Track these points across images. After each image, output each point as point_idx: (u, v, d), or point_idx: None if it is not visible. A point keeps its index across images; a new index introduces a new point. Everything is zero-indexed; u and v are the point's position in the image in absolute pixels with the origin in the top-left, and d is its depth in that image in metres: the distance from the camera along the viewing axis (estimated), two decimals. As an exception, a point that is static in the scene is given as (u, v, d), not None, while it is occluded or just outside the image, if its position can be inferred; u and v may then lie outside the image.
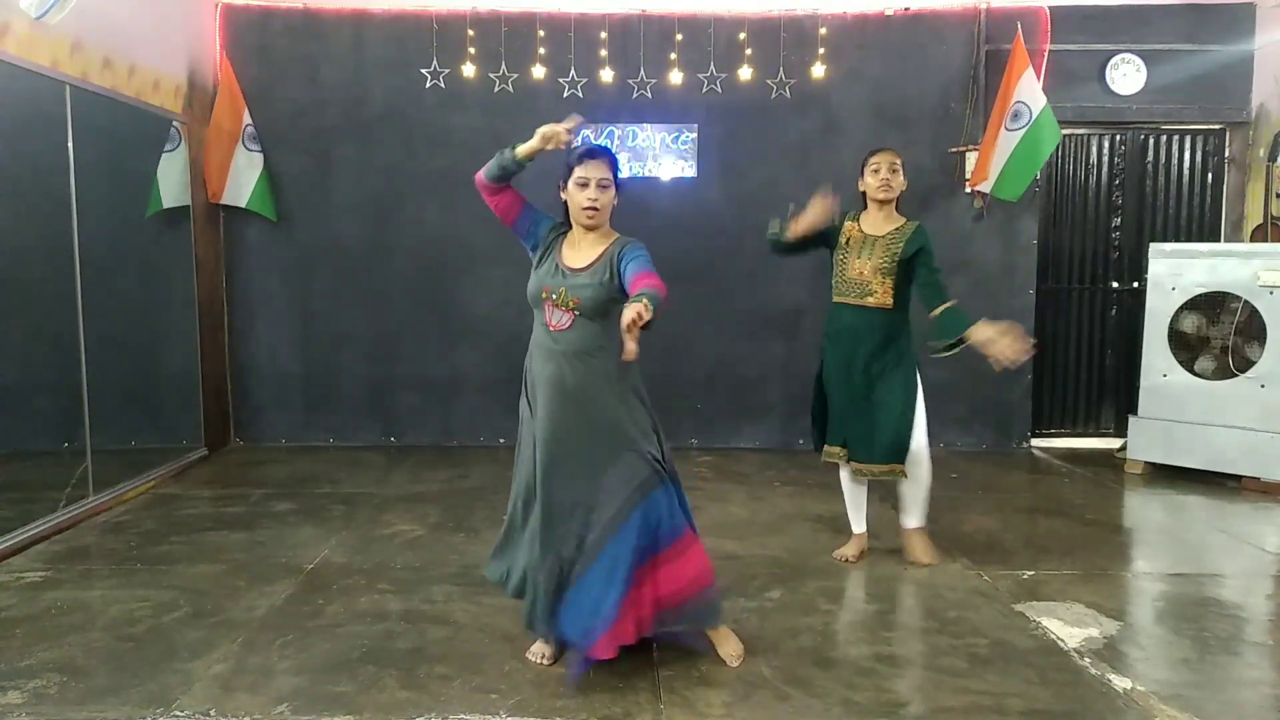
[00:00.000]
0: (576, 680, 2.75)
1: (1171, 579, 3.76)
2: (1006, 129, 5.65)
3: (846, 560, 3.89)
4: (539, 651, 2.91)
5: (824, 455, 3.85)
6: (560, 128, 2.76)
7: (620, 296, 2.73)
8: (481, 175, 2.95)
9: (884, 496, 4.90)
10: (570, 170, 2.83)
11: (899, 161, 3.67)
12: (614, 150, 5.82)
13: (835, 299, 3.73)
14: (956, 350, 3.50)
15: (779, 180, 6.06)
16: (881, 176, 3.63)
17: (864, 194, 3.73)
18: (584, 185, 2.79)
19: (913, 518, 3.88)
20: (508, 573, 2.96)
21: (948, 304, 3.53)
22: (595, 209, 2.78)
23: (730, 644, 2.94)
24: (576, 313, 2.75)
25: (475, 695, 2.69)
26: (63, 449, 4.50)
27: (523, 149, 2.82)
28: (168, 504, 4.75)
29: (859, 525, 3.95)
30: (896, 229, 3.66)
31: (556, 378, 2.77)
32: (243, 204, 5.84)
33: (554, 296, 2.77)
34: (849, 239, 3.69)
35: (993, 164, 5.70)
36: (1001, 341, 3.31)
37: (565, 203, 2.88)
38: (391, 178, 6.09)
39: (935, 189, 6.10)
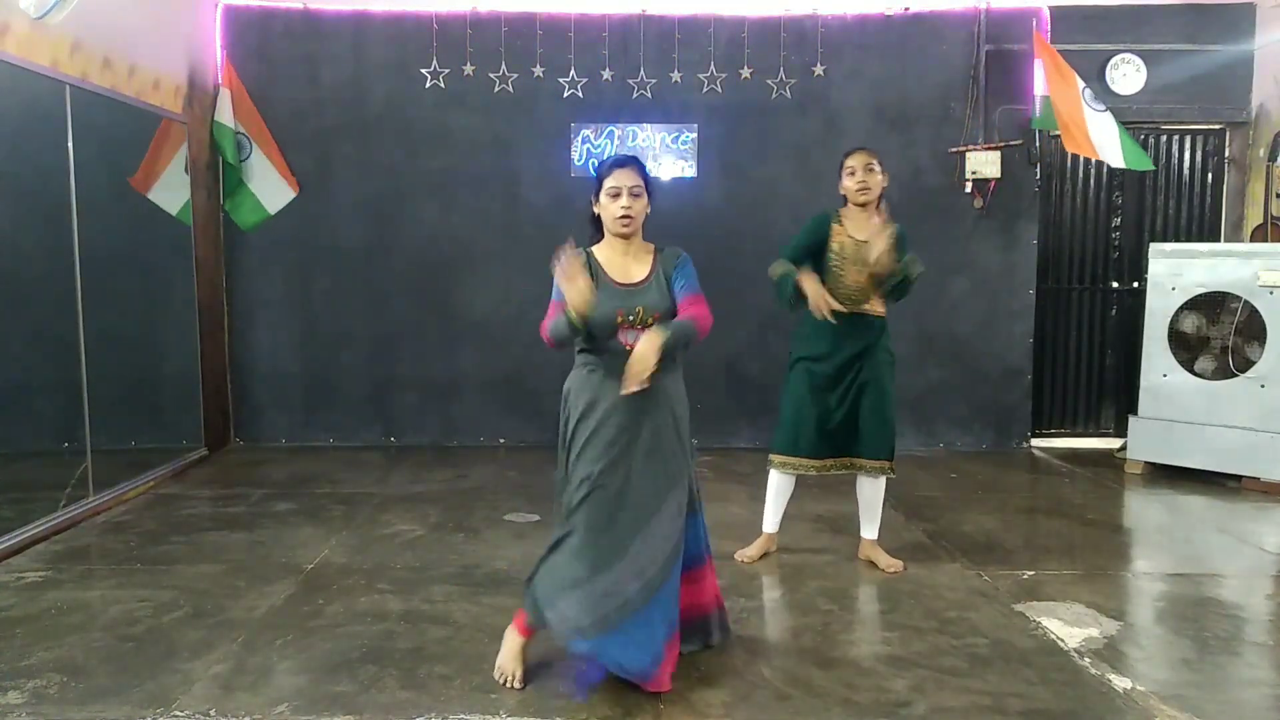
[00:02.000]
0: (583, 690, 2.73)
1: (1171, 579, 3.76)
2: (1095, 109, 5.55)
3: (748, 560, 3.86)
4: (513, 673, 2.77)
5: (789, 466, 3.76)
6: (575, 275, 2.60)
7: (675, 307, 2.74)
8: (551, 342, 2.72)
9: (884, 497, 4.91)
10: (600, 181, 2.75)
11: (875, 161, 3.57)
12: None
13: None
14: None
15: (779, 180, 6.06)
16: (858, 179, 3.55)
17: (844, 196, 3.67)
18: (616, 195, 2.71)
19: (874, 528, 3.87)
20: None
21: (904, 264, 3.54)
22: (629, 217, 2.70)
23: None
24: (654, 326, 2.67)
25: (475, 695, 2.69)
26: (63, 449, 4.50)
27: (575, 315, 2.59)
28: (168, 504, 4.75)
29: (774, 525, 3.91)
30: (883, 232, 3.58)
31: (645, 398, 2.66)
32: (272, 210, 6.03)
33: (630, 318, 2.67)
34: (841, 246, 3.59)
35: (1100, 141, 5.58)
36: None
37: (597, 216, 2.80)
38: (391, 178, 6.09)
39: (935, 189, 6.10)
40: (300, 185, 6.00)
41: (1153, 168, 5.80)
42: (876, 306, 3.62)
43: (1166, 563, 4.02)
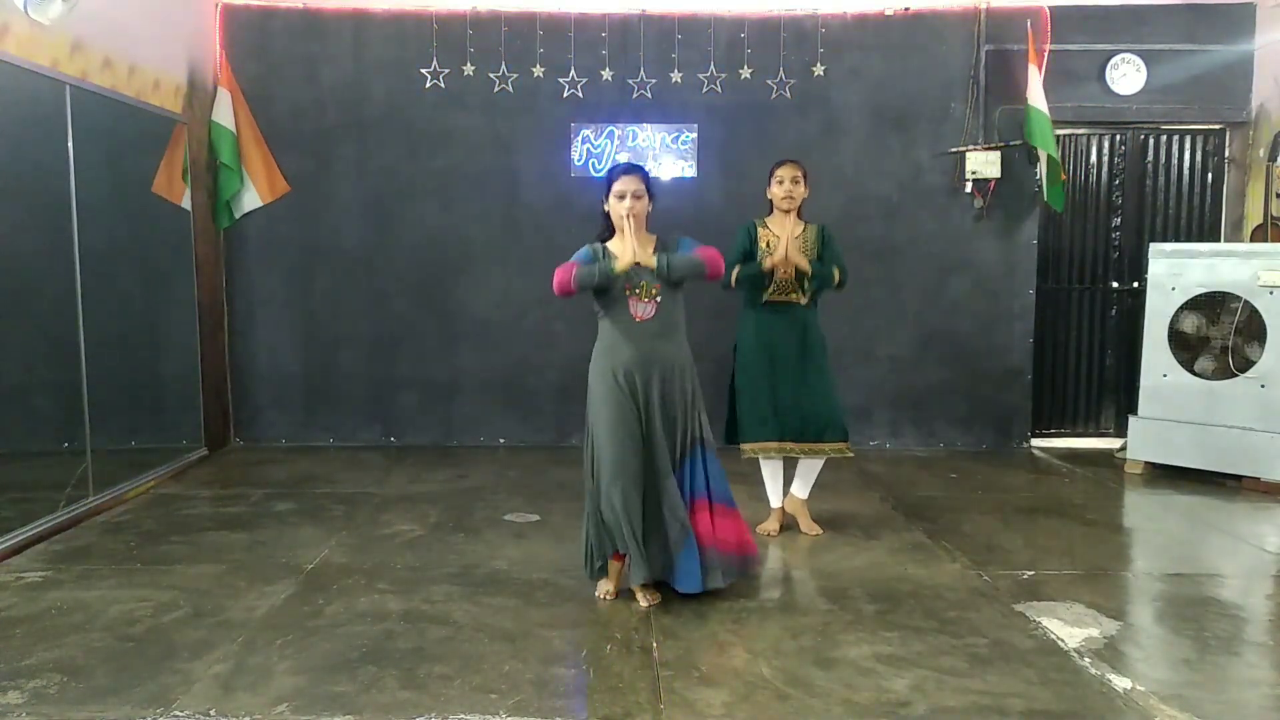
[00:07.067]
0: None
1: (1171, 579, 3.76)
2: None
3: (771, 535, 4.19)
4: (605, 589, 3.45)
5: (755, 451, 4.10)
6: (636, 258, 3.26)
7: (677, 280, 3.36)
8: (571, 284, 3.27)
9: (884, 497, 4.91)
10: (610, 185, 3.37)
11: (800, 173, 4.03)
12: (617, 152, 6.10)
13: (765, 299, 4.05)
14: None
15: (779, 180, 6.06)
16: (785, 188, 4.01)
17: (770, 201, 4.09)
18: (621, 197, 3.32)
19: (807, 489, 4.24)
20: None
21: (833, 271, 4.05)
22: (633, 215, 3.32)
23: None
24: (659, 299, 3.32)
25: (475, 695, 2.69)
26: (63, 449, 4.50)
27: (620, 266, 3.27)
28: (168, 504, 4.75)
29: (779, 500, 4.26)
30: (803, 232, 4.04)
31: (650, 358, 3.31)
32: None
33: (638, 290, 3.31)
34: (768, 243, 4.03)
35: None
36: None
37: (606, 213, 3.41)
38: (391, 178, 6.09)
39: (935, 189, 6.10)
40: (275, 191, 6.01)
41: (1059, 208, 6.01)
42: (801, 297, 4.06)
43: (1166, 563, 4.02)
